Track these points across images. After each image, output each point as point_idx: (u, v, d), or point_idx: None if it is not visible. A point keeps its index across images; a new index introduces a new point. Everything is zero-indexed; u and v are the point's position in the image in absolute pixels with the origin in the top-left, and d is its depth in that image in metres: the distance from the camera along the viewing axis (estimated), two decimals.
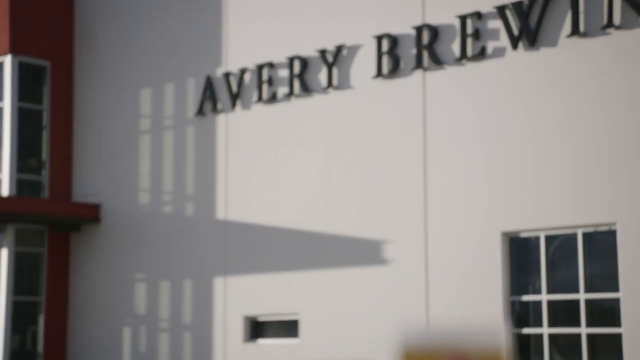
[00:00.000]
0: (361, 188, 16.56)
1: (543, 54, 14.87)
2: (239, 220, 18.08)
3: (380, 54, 16.60)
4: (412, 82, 16.21)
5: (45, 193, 21.18)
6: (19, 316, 20.69)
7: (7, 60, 20.90)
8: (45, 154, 21.31)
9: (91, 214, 20.54)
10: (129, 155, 20.09)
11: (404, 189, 16.05)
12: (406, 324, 1.25)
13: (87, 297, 20.49)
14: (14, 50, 20.88)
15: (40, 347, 20.78)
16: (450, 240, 15.48)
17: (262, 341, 17.62)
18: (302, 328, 16.98)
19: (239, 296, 17.88)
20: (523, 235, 14.99)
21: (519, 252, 15.08)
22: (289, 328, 17.30)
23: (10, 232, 20.60)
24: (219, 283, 18.21)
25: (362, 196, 16.52)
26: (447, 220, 15.56)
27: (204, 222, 18.66)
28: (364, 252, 16.39)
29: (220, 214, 18.40)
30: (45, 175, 21.30)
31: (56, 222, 20.81)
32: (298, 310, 17.03)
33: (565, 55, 14.67)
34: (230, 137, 18.45)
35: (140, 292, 19.59)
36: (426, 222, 15.76)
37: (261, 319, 17.69)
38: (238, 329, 17.80)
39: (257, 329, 17.79)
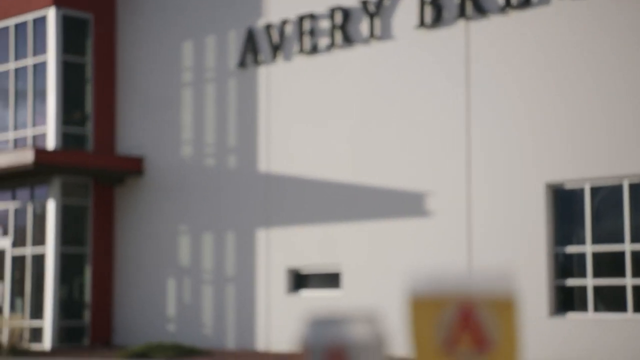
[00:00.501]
0: (404, 139, 16.45)
1: (589, 1, 14.59)
2: (280, 172, 18.08)
3: (422, 4, 16.39)
4: (455, 32, 16.00)
5: (90, 146, 21.32)
6: (67, 267, 20.94)
7: (51, 13, 20.96)
8: (89, 107, 21.41)
9: (135, 167, 20.65)
10: (171, 107, 20.13)
11: (447, 140, 15.92)
12: (415, 271, 1.21)
13: (131, 248, 20.67)
14: (57, 3, 20.92)
15: (87, 297, 21.05)
16: (493, 191, 15.36)
17: (304, 292, 17.68)
18: (344, 279, 17.00)
19: (281, 248, 17.93)
20: (567, 186, 14.83)
21: (563, 203, 14.93)
22: (331, 279, 17.33)
23: (56, 185, 20.79)
24: (261, 235, 18.26)
25: (404, 148, 16.42)
26: (490, 172, 15.43)
27: (246, 175, 18.68)
28: (406, 204, 16.32)
29: (262, 166, 18.41)
30: (89, 128, 21.41)
31: (100, 175, 20.96)
32: (340, 261, 17.04)
33: (612, 2, 14.38)
34: (271, 88, 18.39)
35: (184, 243, 19.71)
36: (469, 174, 15.64)
37: (303, 270, 17.74)
38: (280, 280, 17.87)
39: (299, 280, 17.84)
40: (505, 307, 1.27)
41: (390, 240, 16.45)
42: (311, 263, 17.54)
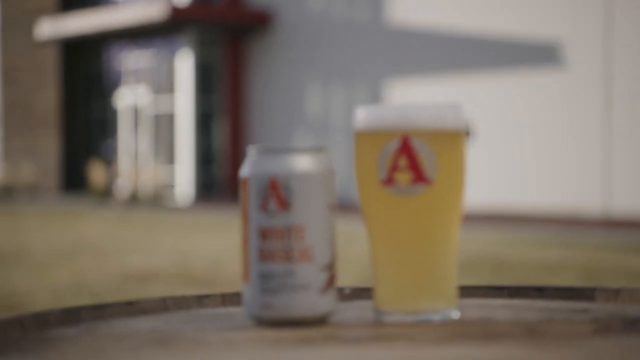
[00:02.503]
0: None
1: None
2: (410, 21, 17.83)
3: None
4: None
5: (219, 0, 21.44)
6: (201, 120, 21.42)
7: None
8: None
9: (264, 20, 20.70)
10: None
11: None
12: (361, 106, 1.20)
13: (262, 101, 20.93)
14: None
15: (221, 149, 21.55)
16: (634, 38, 14.81)
17: None
18: (476, 134, 16.86)
19: (410, 99, 17.84)
20: None
21: None
22: None
23: (188, 39, 21.10)
24: (390, 86, 18.18)
25: None
26: (630, 19, 14.84)
27: (376, 25, 18.50)
28: (540, 55, 15.92)
29: (392, 15, 18.17)
30: None
31: (231, 28, 21.12)
32: (471, 116, 16.88)
33: None
34: None
35: (313, 96, 19.82)
36: (609, 20, 15.08)
37: None
38: None
39: None
40: (448, 139, 1.23)
41: (523, 93, 16.14)
42: None
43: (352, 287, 1.46)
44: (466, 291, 1.43)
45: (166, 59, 21.77)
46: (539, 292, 1.39)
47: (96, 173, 21.44)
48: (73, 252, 10.25)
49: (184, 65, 21.07)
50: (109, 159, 23.64)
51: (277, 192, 1.17)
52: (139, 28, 21.13)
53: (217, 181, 21.47)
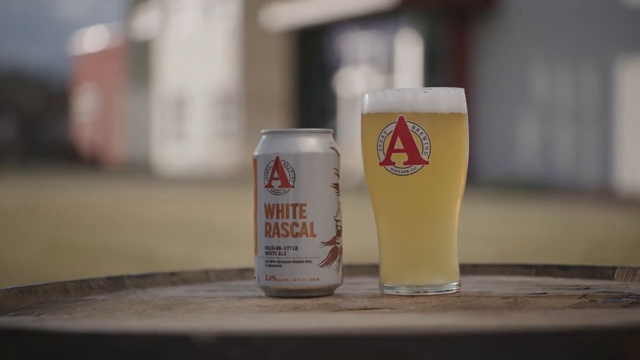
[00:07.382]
0: None
1: None
2: None
3: None
4: None
5: None
6: None
7: None
8: None
9: (489, 2, 20.50)
10: None
11: None
12: (368, 91, 1.27)
13: (485, 81, 20.72)
14: None
15: None
16: None
17: None
18: None
19: None
20: None
21: None
22: None
23: (412, 23, 21.22)
24: (623, 68, 17.58)
25: None
26: None
27: (607, 4, 17.93)
28: None
29: None
30: None
31: (456, 11, 21.05)
32: None
33: None
34: None
35: (539, 80, 19.45)
36: None
37: None
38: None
39: None
40: (443, 121, 1.28)
41: None
42: None
43: None
44: (496, 269, 1.46)
45: (391, 43, 21.98)
46: (564, 270, 1.41)
47: None
48: None
49: (410, 50, 21.21)
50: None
51: (281, 171, 1.27)
52: (365, 12, 21.44)
53: None
